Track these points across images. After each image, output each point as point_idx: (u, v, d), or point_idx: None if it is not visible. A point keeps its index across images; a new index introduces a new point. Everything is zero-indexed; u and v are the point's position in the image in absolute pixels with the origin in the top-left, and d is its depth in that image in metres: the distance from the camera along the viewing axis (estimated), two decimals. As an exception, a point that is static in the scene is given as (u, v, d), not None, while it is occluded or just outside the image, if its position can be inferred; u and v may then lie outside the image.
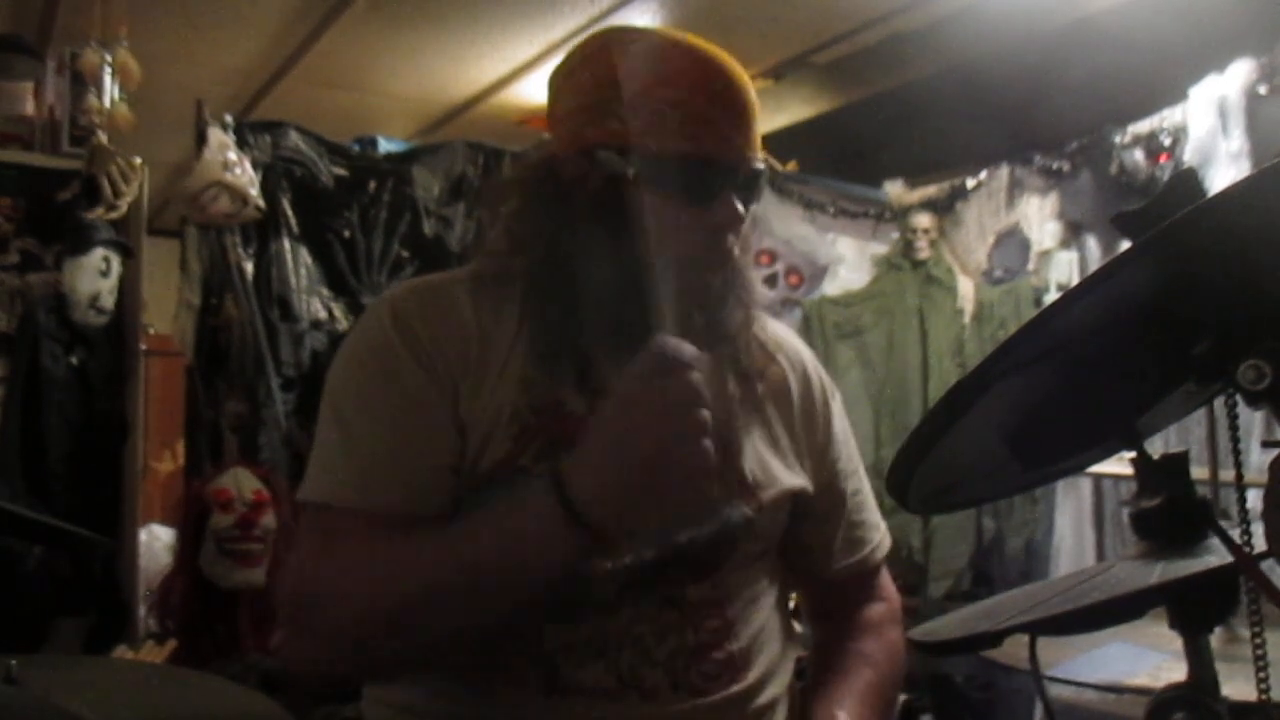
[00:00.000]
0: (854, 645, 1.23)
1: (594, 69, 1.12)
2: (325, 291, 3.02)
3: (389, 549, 1.03)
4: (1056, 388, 0.74)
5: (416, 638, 1.00)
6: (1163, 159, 3.06)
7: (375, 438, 1.07)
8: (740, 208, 1.10)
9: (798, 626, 1.30)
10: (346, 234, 3.06)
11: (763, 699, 1.15)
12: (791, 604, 1.30)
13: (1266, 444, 0.67)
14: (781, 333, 1.31)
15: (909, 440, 0.70)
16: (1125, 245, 0.64)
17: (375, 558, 1.03)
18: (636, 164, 1.08)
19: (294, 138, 2.99)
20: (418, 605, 0.99)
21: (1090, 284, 0.62)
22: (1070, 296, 0.63)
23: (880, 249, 3.86)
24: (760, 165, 1.13)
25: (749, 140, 1.11)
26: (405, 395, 1.08)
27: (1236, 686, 0.78)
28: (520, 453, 1.09)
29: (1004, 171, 3.58)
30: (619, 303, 1.09)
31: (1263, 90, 2.84)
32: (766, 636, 1.18)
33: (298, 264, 2.97)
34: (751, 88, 1.13)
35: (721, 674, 1.12)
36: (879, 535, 1.31)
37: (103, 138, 2.73)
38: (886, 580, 1.33)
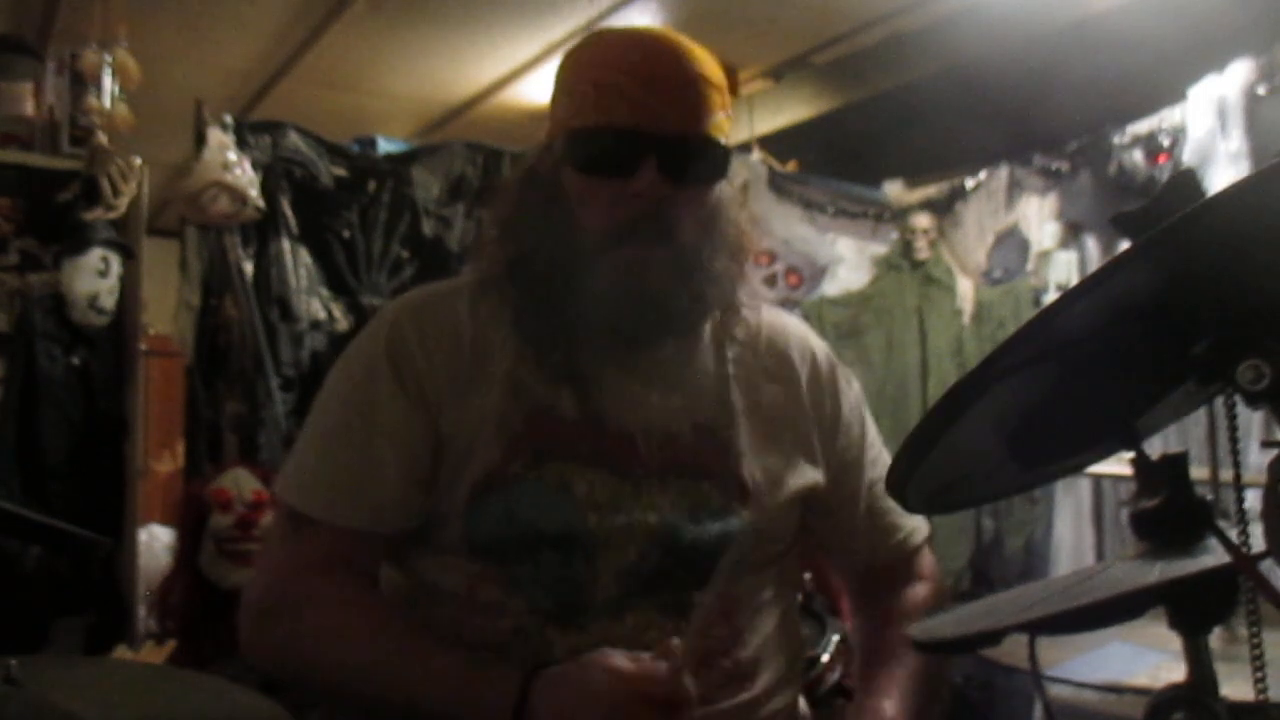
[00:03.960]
0: (897, 632, 1.22)
1: (561, 68, 1.16)
2: (325, 292, 3.02)
3: (350, 615, 1.09)
4: (1056, 388, 0.74)
5: (351, 701, 1.11)
6: (1162, 159, 3.05)
7: (349, 456, 1.11)
8: (667, 177, 1.07)
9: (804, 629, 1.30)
10: (346, 234, 3.06)
11: (769, 708, 1.15)
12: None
13: (1266, 444, 0.67)
14: (790, 324, 1.30)
15: (909, 440, 0.70)
16: (1125, 245, 0.64)
17: (336, 617, 1.09)
18: (564, 144, 1.11)
19: (294, 138, 2.99)
20: (356, 687, 1.08)
21: (1090, 284, 0.62)
22: (1070, 296, 0.63)
23: (880, 249, 3.86)
24: (702, 134, 1.10)
25: (676, 109, 1.09)
26: (382, 417, 1.11)
27: (1236, 686, 0.78)
28: (510, 461, 1.09)
29: (1003, 172, 3.58)
30: (587, 285, 1.10)
31: (1262, 90, 2.84)
32: (775, 647, 1.17)
33: (297, 264, 2.96)
34: (700, 64, 1.11)
35: (729, 682, 1.12)
36: (913, 521, 1.28)
37: (103, 138, 2.73)
38: (927, 561, 1.31)
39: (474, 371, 1.12)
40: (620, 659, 0.97)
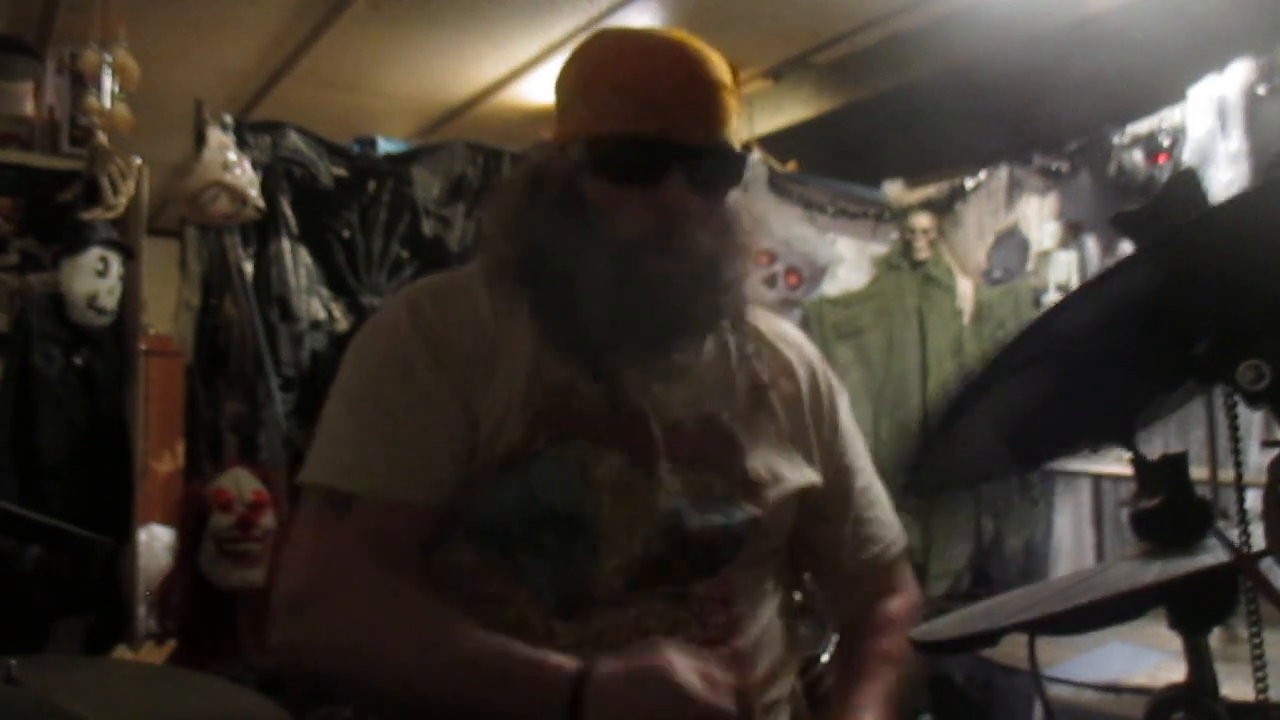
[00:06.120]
0: (874, 644, 1.24)
1: (572, 68, 1.16)
2: (325, 292, 3.02)
3: (390, 604, 1.04)
4: (1056, 388, 0.74)
5: (391, 700, 1.05)
6: (1161, 159, 3.05)
7: (386, 429, 1.09)
8: (692, 187, 1.09)
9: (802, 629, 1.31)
10: (346, 234, 3.06)
11: (767, 698, 1.16)
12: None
13: (1266, 444, 0.67)
14: (788, 330, 1.32)
15: (909, 439, 0.70)
16: (1125, 245, 0.64)
17: (375, 604, 1.04)
18: (585, 150, 1.11)
19: (294, 138, 2.99)
20: (396, 683, 1.02)
21: (1090, 289, 0.62)
22: (1071, 299, 0.63)
23: (879, 249, 3.86)
24: (724, 143, 1.11)
25: (700, 119, 1.10)
26: (418, 389, 1.09)
27: (1236, 686, 0.78)
28: (533, 438, 1.09)
29: (1003, 172, 3.58)
30: (608, 291, 1.10)
31: (1262, 90, 2.84)
32: (771, 637, 1.19)
33: (297, 264, 2.96)
34: (717, 70, 1.12)
35: (728, 669, 1.12)
36: (893, 533, 1.31)
37: (103, 138, 2.73)
38: (905, 574, 1.33)
39: (495, 353, 1.11)
40: (685, 668, 0.95)
